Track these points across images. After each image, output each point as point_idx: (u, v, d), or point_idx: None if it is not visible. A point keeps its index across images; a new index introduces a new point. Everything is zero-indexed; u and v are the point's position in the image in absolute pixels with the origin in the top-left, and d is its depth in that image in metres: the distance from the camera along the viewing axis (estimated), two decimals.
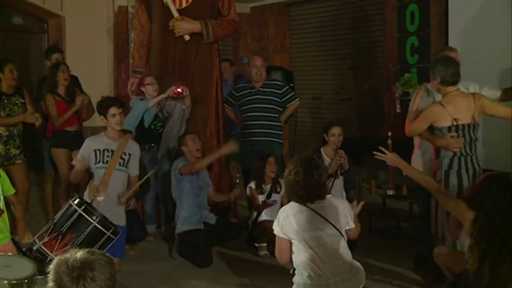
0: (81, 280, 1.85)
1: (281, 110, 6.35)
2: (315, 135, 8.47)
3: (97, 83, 8.42)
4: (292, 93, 6.47)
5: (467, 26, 6.14)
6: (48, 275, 1.90)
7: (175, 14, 6.00)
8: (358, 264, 3.53)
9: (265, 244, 5.43)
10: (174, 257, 5.31)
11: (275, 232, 3.54)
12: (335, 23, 8.81)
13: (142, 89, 5.90)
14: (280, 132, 6.38)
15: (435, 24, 6.52)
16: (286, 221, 3.46)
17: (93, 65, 8.50)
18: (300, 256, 3.43)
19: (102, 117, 4.89)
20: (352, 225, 3.56)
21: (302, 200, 3.48)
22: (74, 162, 4.98)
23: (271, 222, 5.39)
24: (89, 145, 4.89)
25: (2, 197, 4.21)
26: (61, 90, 5.98)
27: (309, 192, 3.45)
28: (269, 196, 5.60)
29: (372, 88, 8.32)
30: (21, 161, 5.78)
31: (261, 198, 5.62)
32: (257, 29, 9.75)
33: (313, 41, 9.19)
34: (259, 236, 5.48)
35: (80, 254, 1.90)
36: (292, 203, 3.54)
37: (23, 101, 5.80)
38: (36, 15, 9.01)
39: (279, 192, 5.61)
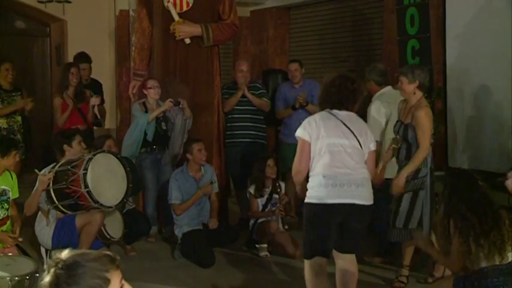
0: (63, 284, 1.76)
1: (262, 111, 6.43)
2: None
3: None
4: (265, 94, 6.53)
5: (465, 29, 6.19)
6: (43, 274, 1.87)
7: (176, 17, 6.04)
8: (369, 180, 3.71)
9: (266, 245, 5.48)
10: (176, 258, 5.35)
11: (298, 135, 3.71)
12: (334, 26, 8.85)
13: (145, 91, 5.94)
14: (264, 134, 6.48)
15: (433, 27, 6.58)
16: (312, 124, 3.66)
17: (95, 68, 8.52)
18: (319, 160, 3.60)
19: (65, 145, 4.97)
20: (372, 148, 3.73)
21: (334, 105, 3.68)
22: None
23: (271, 222, 5.50)
24: None
25: (10, 205, 4.28)
26: (70, 91, 6.07)
27: (340, 97, 3.68)
28: (270, 198, 5.65)
29: None
30: (18, 159, 5.86)
31: (260, 201, 5.66)
32: (257, 33, 9.80)
33: (313, 44, 9.23)
34: (260, 237, 5.52)
35: (68, 256, 1.82)
36: (320, 113, 3.75)
37: (21, 96, 5.97)
38: (38, 19, 9.07)
39: (278, 194, 5.66)
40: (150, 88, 5.89)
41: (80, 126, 6.08)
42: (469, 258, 3.45)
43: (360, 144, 3.64)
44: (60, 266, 1.78)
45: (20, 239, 4.31)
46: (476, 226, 3.42)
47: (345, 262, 3.78)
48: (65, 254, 1.82)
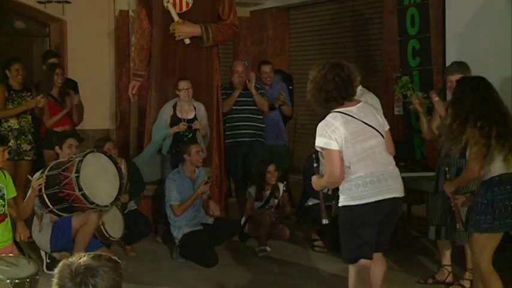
0: (83, 286, 1.84)
1: (261, 111, 6.48)
2: (314, 138, 8.50)
3: (98, 86, 8.51)
4: (263, 94, 6.57)
5: (465, 29, 6.19)
6: (53, 278, 1.90)
7: (176, 18, 6.04)
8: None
9: (265, 246, 5.50)
10: (175, 259, 5.35)
11: (323, 146, 3.42)
12: (334, 26, 8.86)
13: (177, 92, 5.91)
14: (263, 133, 6.51)
15: (433, 27, 6.58)
16: (337, 132, 3.41)
17: (94, 69, 8.56)
18: (353, 166, 3.41)
19: (57, 147, 5.08)
20: (387, 126, 3.60)
21: (337, 99, 3.46)
22: None
23: (266, 215, 5.53)
24: None
25: (6, 201, 4.26)
26: (54, 91, 6.12)
27: (340, 88, 3.43)
28: (267, 202, 5.69)
29: (370, 90, 8.34)
30: (30, 158, 5.92)
31: (258, 204, 5.71)
32: (256, 33, 9.81)
33: (312, 44, 9.24)
34: (253, 230, 5.62)
35: (84, 259, 1.88)
36: (333, 115, 3.49)
37: (31, 95, 6.06)
38: (38, 20, 9.07)
39: (277, 197, 5.71)
40: (181, 90, 5.86)
41: (67, 126, 6.12)
42: (485, 160, 3.53)
43: (381, 134, 3.52)
44: (81, 270, 1.85)
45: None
46: (494, 119, 3.56)
47: (376, 261, 3.59)
48: (84, 258, 1.89)
